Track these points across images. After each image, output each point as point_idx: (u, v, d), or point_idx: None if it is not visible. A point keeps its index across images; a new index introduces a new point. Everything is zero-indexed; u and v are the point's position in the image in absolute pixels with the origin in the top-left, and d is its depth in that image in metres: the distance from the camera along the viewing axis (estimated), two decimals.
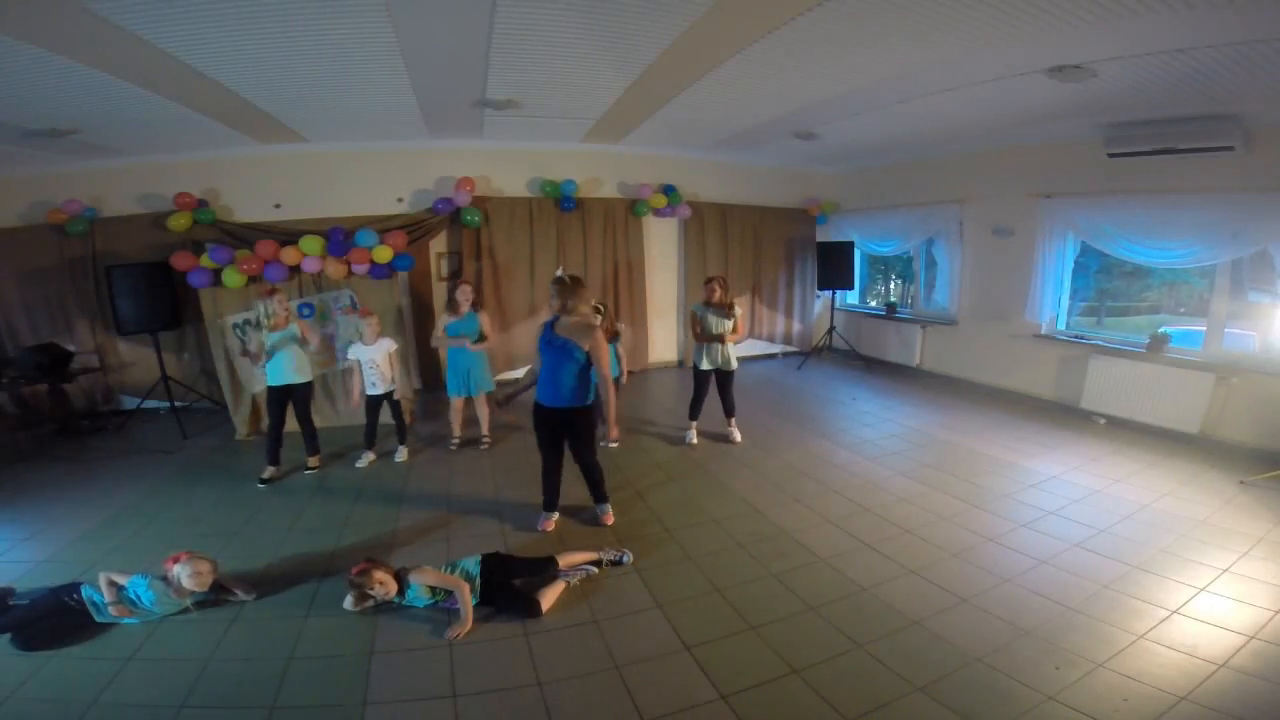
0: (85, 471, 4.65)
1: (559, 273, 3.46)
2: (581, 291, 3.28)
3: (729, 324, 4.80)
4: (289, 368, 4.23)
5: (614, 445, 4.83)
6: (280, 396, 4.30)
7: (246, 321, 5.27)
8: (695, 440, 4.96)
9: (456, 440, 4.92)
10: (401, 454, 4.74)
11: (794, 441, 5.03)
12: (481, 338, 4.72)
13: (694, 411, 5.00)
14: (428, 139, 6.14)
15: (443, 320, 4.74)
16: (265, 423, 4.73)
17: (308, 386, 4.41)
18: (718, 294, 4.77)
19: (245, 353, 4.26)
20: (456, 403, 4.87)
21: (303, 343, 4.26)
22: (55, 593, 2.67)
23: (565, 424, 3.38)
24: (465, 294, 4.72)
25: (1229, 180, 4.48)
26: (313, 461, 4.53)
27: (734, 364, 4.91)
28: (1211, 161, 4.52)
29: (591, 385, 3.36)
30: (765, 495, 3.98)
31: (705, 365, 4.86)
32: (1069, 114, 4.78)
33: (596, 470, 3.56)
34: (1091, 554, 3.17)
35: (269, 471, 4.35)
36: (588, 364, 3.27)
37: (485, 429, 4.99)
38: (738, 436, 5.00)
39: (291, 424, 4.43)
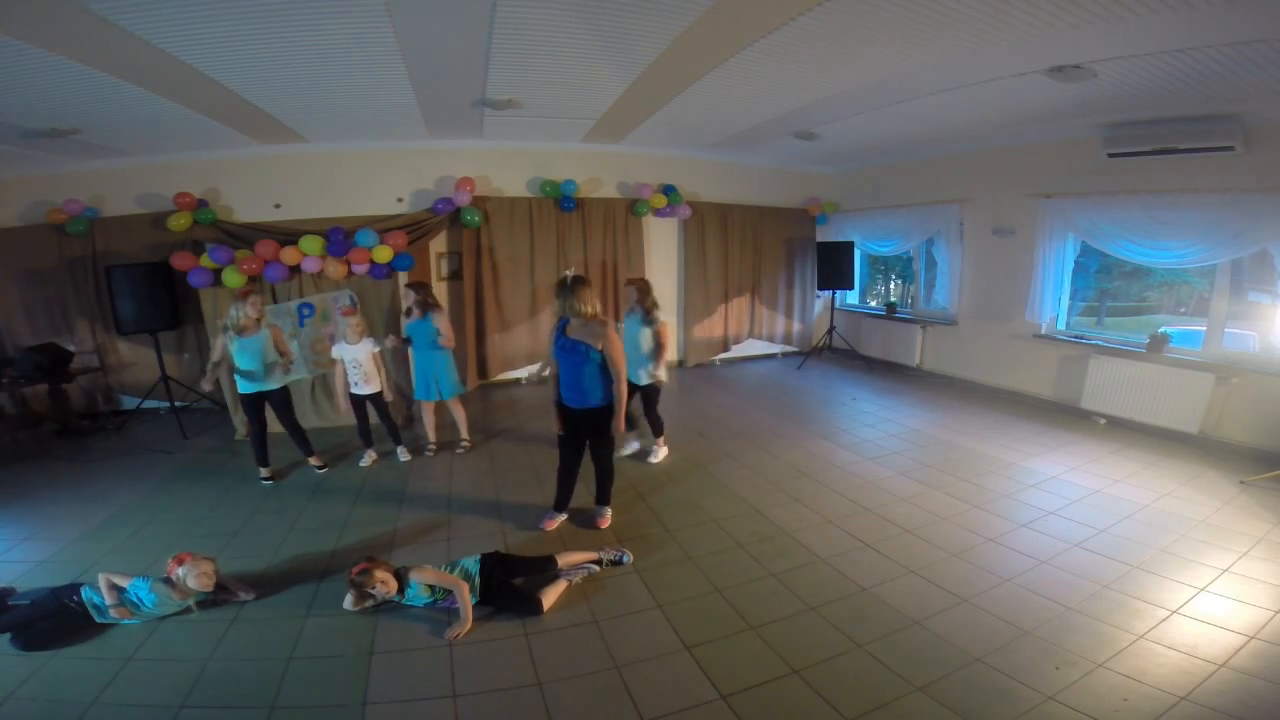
0: (85, 471, 4.65)
1: (567, 272, 3.41)
2: (583, 292, 3.25)
3: (648, 332, 4.31)
4: (257, 375, 4.15)
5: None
6: (255, 402, 4.22)
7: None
8: (667, 451, 4.70)
9: (433, 445, 4.87)
10: (403, 453, 4.74)
11: (794, 441, 5.03)
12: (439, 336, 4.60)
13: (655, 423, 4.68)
14: (428, 139, 6.13)
15: (403, 321, 4.67)
16: None
17: (281, 392, 4.32)
18: (635, 297, 4.41)
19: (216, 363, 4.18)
20: (427, 407, 4.83)
21: (283, 357, 4.21)
22: (55, 594, 2.67)
23: (590, 424, 3.41)
24: (408, 297, 4.65)
25: (1229, 180, 4.47)
26: (314, 461, 4.52)
27: (646, 379, 4.38)
28: (1211, 162, 4.52)
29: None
30: (765, 495, 3.98)
31: (635, 378, 4.27)
32: (1069, 114, 4.78)
33: (610, 473, 3.59)
34: (1091, 554, 3.17)
35: (265, 471, 4.36)
36: (605, 362, 3.28)
37: (464, 432, 4.93)
38: (657, 458, 4.59)
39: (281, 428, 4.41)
